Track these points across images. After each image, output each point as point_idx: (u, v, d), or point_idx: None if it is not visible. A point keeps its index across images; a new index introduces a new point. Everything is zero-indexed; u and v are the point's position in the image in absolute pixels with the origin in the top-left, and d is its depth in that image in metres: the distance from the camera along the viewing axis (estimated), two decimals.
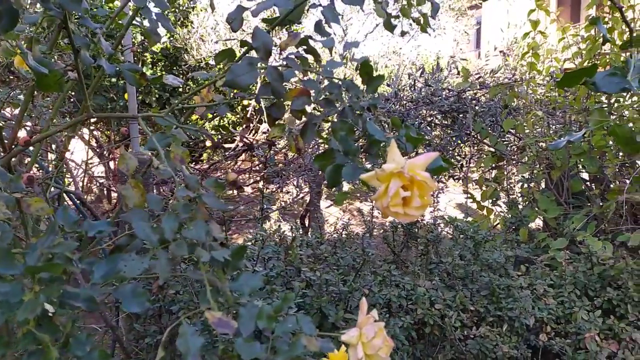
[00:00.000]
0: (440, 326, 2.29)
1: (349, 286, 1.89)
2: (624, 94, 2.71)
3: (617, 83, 0.97)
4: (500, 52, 5.07)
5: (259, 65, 1.00)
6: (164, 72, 5.86)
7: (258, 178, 5.06)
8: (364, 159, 1.04)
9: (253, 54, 0.96)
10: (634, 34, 0.97)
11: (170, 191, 4.35)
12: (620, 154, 2.92)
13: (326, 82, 1.07)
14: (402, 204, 0.80)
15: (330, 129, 1.09)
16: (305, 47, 1.08)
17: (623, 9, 0.93)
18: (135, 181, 0.97)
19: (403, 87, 4.16)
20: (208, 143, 5.15)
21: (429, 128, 3.81)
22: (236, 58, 1.16)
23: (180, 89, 5.74)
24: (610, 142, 2.86)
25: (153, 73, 5.83)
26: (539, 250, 2.84)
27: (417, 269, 2.42)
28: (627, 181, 2.64)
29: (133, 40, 5.14)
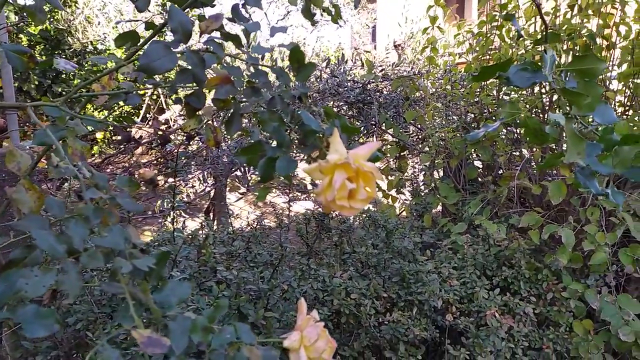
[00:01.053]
0: (355, 315, 2.32)
1: (269, 283, 1.82)
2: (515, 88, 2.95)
3: (528, 77, 1.01)
4: (397, 45, 5.28)
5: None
6: (44, 57, 5.23)
7: (156, 171, 4.75)
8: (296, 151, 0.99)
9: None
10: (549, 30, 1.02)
11: (57, 189, 3.91)
12: (509, 142, 3.19)
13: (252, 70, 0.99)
14: (347, 197, 0.76)
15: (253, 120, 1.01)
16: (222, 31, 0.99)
17: (540, 6, 0.98)
18: (29, 182, 0.82)
19: (310, 78, 4.15)
20: (99, 135, 4.72)
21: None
22: (140, 42, 1.04)
23: (64, 76, 5.18)
24: (501, 132, 3.11)
25: None
26: (442, 235, 3.01)
27: (331, 260, 2.43)
28: (517, 168, 2.89)
29: (7, 21, 4.51)
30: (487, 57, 3.15)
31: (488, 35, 3.12)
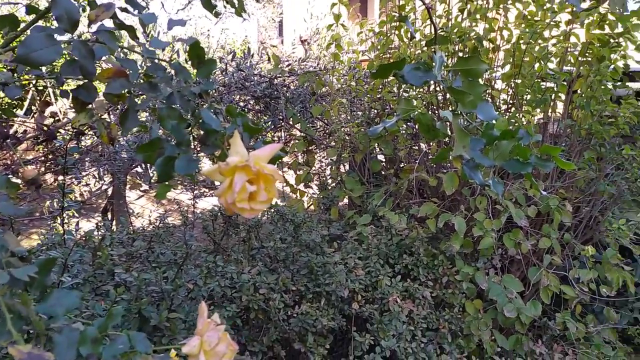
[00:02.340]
0: (264, 310, 2.33)
1: (172, 283, 1.76)
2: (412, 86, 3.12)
3: (421, 76, 1.08)
4: (304, 41, 5.33)
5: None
6: None
7: (44, 169, 4.36)
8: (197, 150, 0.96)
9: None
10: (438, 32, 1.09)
11: None
12: (408, 137, 3.38)
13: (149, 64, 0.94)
14: (248, 199, 0.75)
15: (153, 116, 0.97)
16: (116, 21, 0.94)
17: (430, 10, 1.05)
18: None
19: (214, 71, 4.04)
20: None
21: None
22: (20, 28, 0.95)
23: None
24: (401, 128, 3.27)
25: None
26: (349, 227, 3.11)
27: (239, 256, 2.40)
28: (416, 161, 3.07)
29: None
30: (388, 55, 3.29)
31: (388, 34, 3.26)
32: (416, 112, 1.24)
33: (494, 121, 1.16)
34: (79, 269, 1.84)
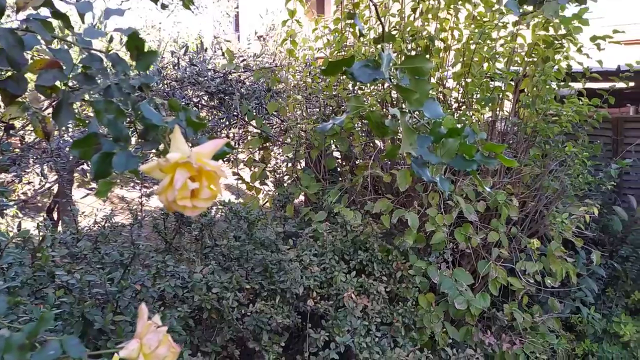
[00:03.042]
0: (217, 309, 2.29)
1: (118, 285, 1.69)
2: (368, 83, 3.14)
3: (370, 73, 1.08)
4: (260, 37, 5.27)
5: None
6: None
7: None
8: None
9: None
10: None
11: None
12: (363, 134, 3.40)
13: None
14: (190, 197, 0.73)
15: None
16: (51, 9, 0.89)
17: (377, 7, 1.05)
18: None
19: (166, 65, 3.93)
20: None
21: (196, 109, 3.71)
22: None
23: None
24: (356, 125, 3.29)
25: None
26: (304, 224, 3.10)
27: (192, 255, 2.35)
28: (371, 158, 3.09)
29: None
30: (343, 53, 3.30)
31: (343, 32, 3.27)
32: (366, 109, 1.24)
33: (440, 119, 1.18)
34: (18, 272, 1.74)
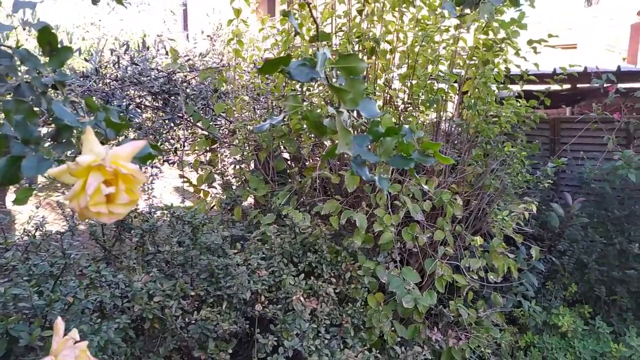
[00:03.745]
0: (160, 318, 2.20)
1: (47, 298, 1.59)
2: (314, 82, 3.13)
3: (307, 73, 1.06)
4: (208, 36, 5.16)
5: None
6: None
7: None
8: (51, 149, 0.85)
9: None
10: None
11: None
12: (312, 135, 3.39)
13: None
14: (106, 202, 0.68)
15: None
16: None
17: (311, 6, 1.04)
18: None
19: (106, 64, 3.76)
20: None
21: (138, 110, 3.57)
22: None
23: None
24: (305, 126, 3.27)
25: None
26: (252, 227, 3.04)
27: (132, 262, 2.24)
28: (319, 159, 3.08)
29: None
30: (290, 53, 3.27)
31: (290, 32, 3.24)
32: (304, 109, 1.22)
33: (378, 118, 1.18)
34: None
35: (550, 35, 3.02)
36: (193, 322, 2.21)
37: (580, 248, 3.70)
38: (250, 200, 3.70)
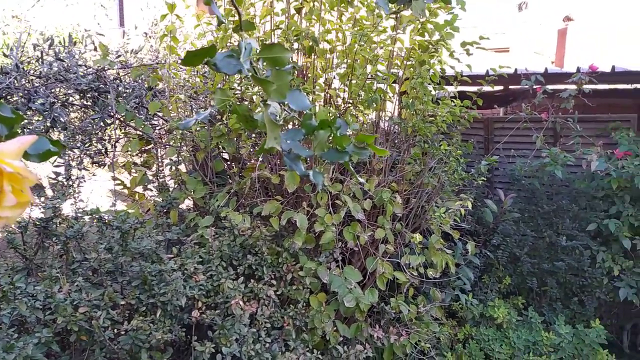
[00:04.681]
0: (88, 330, 2.06)
1: None
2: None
3: (234, 65, 1.01)
4: (144, 33, 4.95)
5: None
6: None
7: None
8: None
9: None
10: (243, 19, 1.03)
11: None
12: (252, 135, 3.32)
13: None
14: None
15: None
16: None
17: None
18: None
19: (29, 60, 3.50)
20: None
21: (65, 108, 3.34)
22: None
23: None
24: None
25: None
26: (190, 230, 2.93)
27: (55, 272, 2.08)
28: (259, 159, 3.02)
29: None
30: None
31: (227, 28, 3.15)
32: (232, 103, 1.17)
33: (309, 111, 1.14)
34: None
35: (481, 37, 3.12)
36: (123, 332, 2.09)
37: (513, 242, 3.86)
38: (189, 202, 3.57)
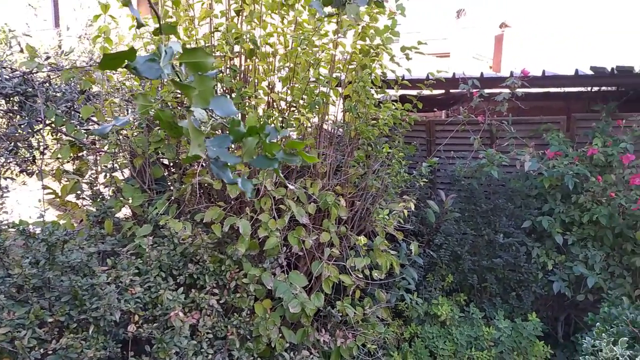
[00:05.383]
0: (11, 352, 1.91)
1: None
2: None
3: (156, 69, 0.96)
4: (80, 35, 4.72)
5: None
6: None
7: None
8: None
9: None
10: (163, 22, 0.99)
11: None
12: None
13: None
14: None
15: None
16: None
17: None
18: None
19: None
20: None
21: None
22: None
23: None
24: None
25: None
26: (127, 240, 2.80)
27: None
28: (200, 165, 2.93)
29: None
30: None
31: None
32: (155, 108, 1.12)
33: (234, 117, 1.11)
34: None
35: (419, 42, 3.20)
36: (51, 352, 1.95)
37: (455, 241, 3.97)
38: (127, 211, 3.42)
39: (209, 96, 0.92)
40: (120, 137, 3.16)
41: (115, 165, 3.11)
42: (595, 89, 5.02)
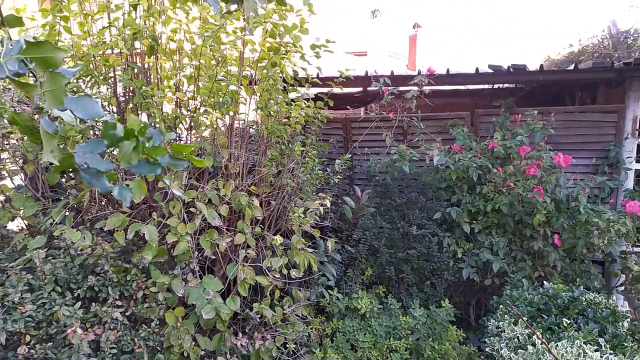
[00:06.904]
0: None
1: None
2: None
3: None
4: None
5: None
6: None
7: None
8: None
9: None
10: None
11: None
12: None
13: None
14: None
15: None
16: None
17: None
18: None
19: None
20: None
21: None
22: None
23: None
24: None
25: None
26: (18, 255, 2.56)
27: None
28: None
29: None
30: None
31: (54, 26, 2.82)
32: (8, 110, 1.00)
33: (100, 119, 1.03)
34: None
35: (328, 41, 3.22)
36: None
37: (372, 235, 4.06)
38: (20, 222, 3.13)
39: (62, 95, 0.83)
40: (9, 141, 2.89)
41: (4, 173, 2.83)
42: (497, 86, 5.37)
